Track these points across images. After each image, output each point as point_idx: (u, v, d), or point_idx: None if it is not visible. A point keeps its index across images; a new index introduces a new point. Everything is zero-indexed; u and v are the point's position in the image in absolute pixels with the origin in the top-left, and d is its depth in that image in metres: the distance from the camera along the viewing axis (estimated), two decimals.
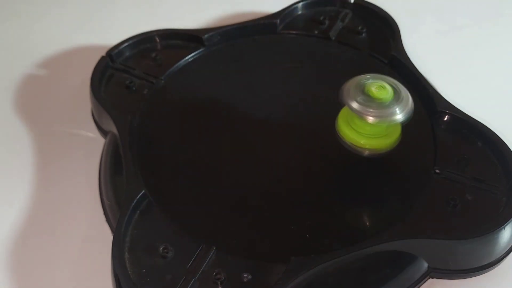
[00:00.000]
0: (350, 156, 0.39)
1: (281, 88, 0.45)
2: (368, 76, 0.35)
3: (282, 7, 0.51)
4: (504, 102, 0.47)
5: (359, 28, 0.49)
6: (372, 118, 0.34)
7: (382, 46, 0.47)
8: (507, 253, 0.36)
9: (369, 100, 0.34)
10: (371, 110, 0.34)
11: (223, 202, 0.37)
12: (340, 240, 0.34)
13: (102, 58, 0.46)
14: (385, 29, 0.49)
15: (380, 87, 0.34)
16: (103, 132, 0.45)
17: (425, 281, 0.35)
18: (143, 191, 0.36)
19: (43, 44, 0.56)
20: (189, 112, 0.44)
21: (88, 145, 0.45)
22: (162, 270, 0.32)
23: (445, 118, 0.40)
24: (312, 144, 0.41)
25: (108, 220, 0.39)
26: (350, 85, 0.35)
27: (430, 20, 0.56)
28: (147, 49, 0.48)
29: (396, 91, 0.35)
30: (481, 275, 0.36)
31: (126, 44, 0.47)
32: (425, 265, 0.35)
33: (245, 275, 0.32)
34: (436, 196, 0.36)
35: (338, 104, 0.43)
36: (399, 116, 0.34)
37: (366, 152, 0.36)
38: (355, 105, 0.34)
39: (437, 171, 0.37)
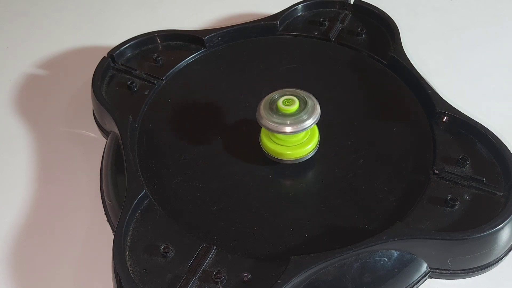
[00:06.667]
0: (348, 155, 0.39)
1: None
2: (274, 93, 0.37)
3: (282, 8, 0.51)
4: (502, 103, 0.47)
5: (359, 29, 0.49)
6: (289, 130, 0.35)
7: (381, 47, 0.48)
8: (506, 253, 0.36)
9: (281, 115, 0.36)
10: (284, 124, 0.36)
11: (223, 202, 0.37)
12: (339, 240, 0.34)
13: (104, 58, 0.47)
14: (385, 30, 0.49)
15: (287, 100, 0.36)
16: (104, 132, 0.45)
17: (424, 281, 0.36)
18: (144, 190, 0.36)
19: (45, 44, 0.56)
20: (190, 113, 0.44)
21: (90, 145, 0.46)
22: (163, 269, 0.33)
23: (444, 119, 0.40)
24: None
25: (109, 220, 0.39)
26: (262, 106, 0.37)
27: (429, 21, 0.56)
28: (148, 50, 0.49)
29: (302, 100, 0.37)
30: (479, 275, 0.36)
31: (127, 45, 0.48)
32: (424, 265, 0.35)
33: (245, 274, 0.32)
34: (435, 196, 0.36)
35: (337, 104, 0.44)
36: (309, 122, 0.36)
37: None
38: (269, 125, 0.36)
39: (436, 171, 0.37)
